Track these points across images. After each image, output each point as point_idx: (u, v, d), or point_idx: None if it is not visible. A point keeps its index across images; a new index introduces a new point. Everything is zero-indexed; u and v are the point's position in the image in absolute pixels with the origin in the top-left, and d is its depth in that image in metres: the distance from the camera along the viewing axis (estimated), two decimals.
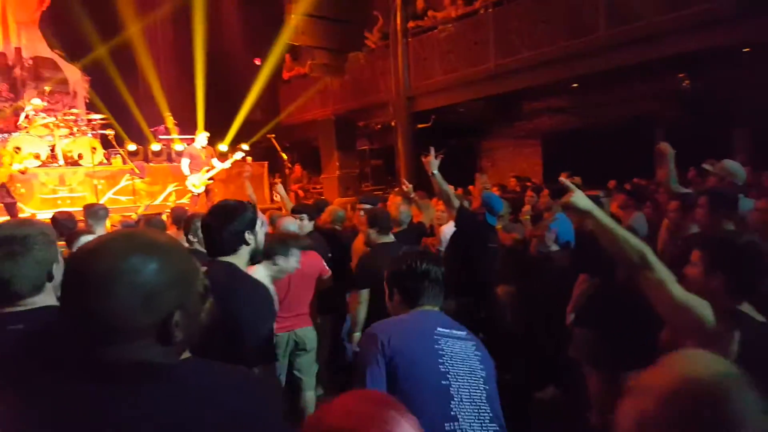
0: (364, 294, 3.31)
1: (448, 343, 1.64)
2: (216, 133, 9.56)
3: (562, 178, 2.01)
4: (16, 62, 10.47)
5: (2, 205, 7.12)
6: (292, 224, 3.73)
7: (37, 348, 1.24)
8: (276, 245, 2.91)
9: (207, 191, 8.10)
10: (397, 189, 8.41)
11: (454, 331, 1.69)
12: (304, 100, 12.17)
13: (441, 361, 1.58)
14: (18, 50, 10.56)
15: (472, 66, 9.16)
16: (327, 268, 3.62)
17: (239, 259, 1.97)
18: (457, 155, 11.60)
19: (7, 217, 6.68)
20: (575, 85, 9.04)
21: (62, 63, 10.93)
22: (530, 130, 11.31)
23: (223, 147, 9.48)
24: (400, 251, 3.32)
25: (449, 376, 1.57)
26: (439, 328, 1.68)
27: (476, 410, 1.56)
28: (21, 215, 7.22)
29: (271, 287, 3.05)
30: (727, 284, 1.57)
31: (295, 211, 4.32)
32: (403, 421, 0.79)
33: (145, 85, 11.91)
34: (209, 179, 8.02)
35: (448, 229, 4.37)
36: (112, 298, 0.81)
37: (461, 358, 1.62)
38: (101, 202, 7.26)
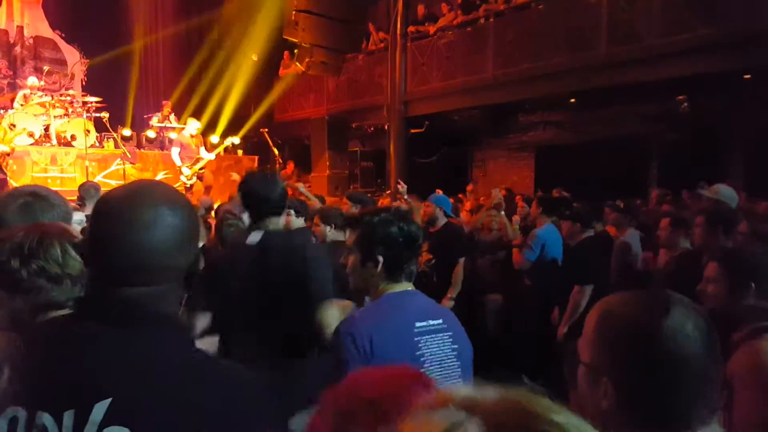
0: None
1: (427, 342, 1.55)
2: (208, 124, 9.66)
3: None
4: (17, 40, 10.56)
5: None
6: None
7: None
8: None
9: (205, 185, 8.21)
10: (388, 191, 8.52)
11: (431, 322, 1.58)
12: (298, 97, 12.25)
13: (423, 369, 1.50)
14: (20, 29, 10.65)
15: (470, 74, 9.23)
16: None
17: None
18: (448, 163, 11.76)
19: None
20: (572, 100, 9.14)
21: (62, 44, 11.01)
22: (524, 143, 11.41)
23: (214, 138, 9.58)
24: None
25: None
26: (417, 323, 1.56)
27: None
28: None
29: None
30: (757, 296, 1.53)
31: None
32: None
33: (143, 72, 12.00)
34: (200, 169, 8.12)
35: None
36: (160, 236, 0.86)
37: (440, 359, 1.56)
38: None
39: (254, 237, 2.20)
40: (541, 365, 3.77)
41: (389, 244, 1.56)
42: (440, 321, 1.60)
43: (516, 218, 5.53)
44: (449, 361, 1.57)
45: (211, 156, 8.22)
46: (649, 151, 9.74)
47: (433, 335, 1.57)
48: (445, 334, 1.59)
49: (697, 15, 6.55)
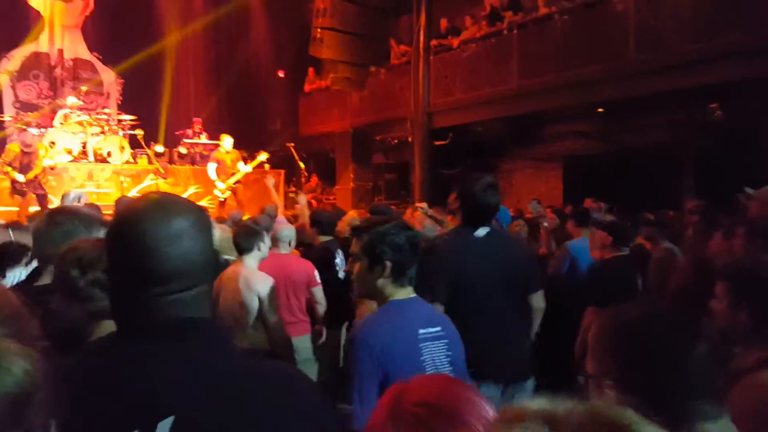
0: None
1: (429, 348, 1.69)
2: (238, 140, 9.89)
3: None
4: (58, 63, 11.10)
5: (35, 195, 7.51)
6: (287, 229, 3.75)
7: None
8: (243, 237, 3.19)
9: (234, 192, 8.45)
10: (413, 205, 8.56)
11: (430, 330, 1.71)
12: (322, 111, 12.47)
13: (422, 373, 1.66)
14: (60, 52, 11.19)
15: (494, 85, 9.22)
16: (317, 280, 3.58)
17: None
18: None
19: (38, 207, 7.05)
20: (600, 109, 9.04)
21: (99, 65, 11.51)
22: (551, 154, 11.27)
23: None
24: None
25: None
26: (420, 330, 1.69)
27: None
28: (50, 206, 7.60)
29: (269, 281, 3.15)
30: (753, 318, 1.44)
31: (312, 220, 4.41)
32: (490, 412, 0.76)
33: (175, 89, 12.41)
34: (235, 183, 8.38)
35: None
36: (191, 240, 0.89)
37: (436, 364, 1.69)
38: None
39: (481, 232, 2.44)
40: (557, 385, 3.65)
41: (396, 249, 1.69)
42: (439, 328, 1.73)
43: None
44: (443, 366, 1.69)
45: (248, 169, 8.50)
46: (683, 161, 9.52)
47: (433, 342, 1.69)
48: (442, 341, 1.71)
49: (729, 20, 6.43)
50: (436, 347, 1.69)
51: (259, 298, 3.03)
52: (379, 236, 1.71)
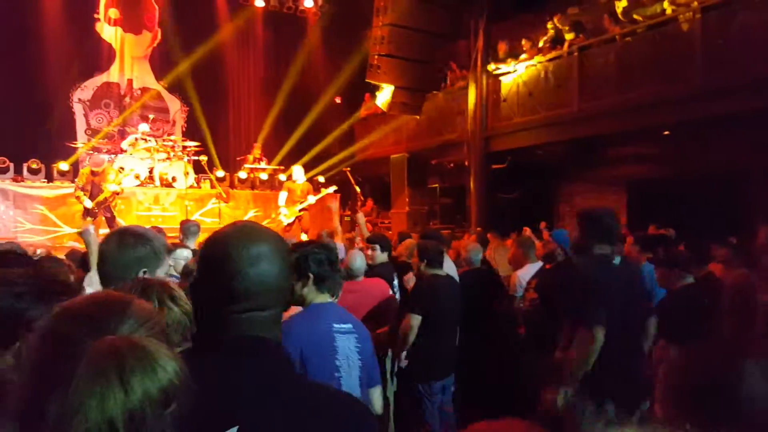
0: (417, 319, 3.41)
1: (341, 339, 2.07)
2: (293, 163, 10.07)
3: None
4: (127, 92, 11.70)
5: (104, 218, 7.80)
6: (359, 257, 3.72)
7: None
8: None
9: (299, 219, 8.72)
10: (470, 229, 8.42)
11: (343, 326, 2.11)
12: (378, 136, 12.57)
13: (337, 357, 2.03)
14: (129, 82, 11.82)
15: (554, 108, 9.04)
16: (393, 291, 3.69)
17: None
18: (532, 198, 11.38)
19: (107, 230, 7.30)
20: (667, 132, 8.68)
21: (165, 94, 12.03)
22: (614, 177, 10.86)
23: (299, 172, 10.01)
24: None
25: (341, 369, 2.04)
26: (335, 324, 2.08)
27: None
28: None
29: None
30: None
31: (369, 241, 4.41)
32: None
33: (236, 116, 12.80)
34: (300, 210, 8.61)
35: (524, 273, 4.24)
36: (272, 265, 0.98)
37: (346, 353, 2.07)
38: None
39: (616, 259, 2.76)
40: None
41: (318, 263, 2.15)
42: (350, 326, 2.13)
43: None
44: (353, 355, 2.09)
45: (313, 200, 8.76)
46: (752, 185, 8.92)
47: (345, 335, 2.09)
48: (352, 335, 2.11)
49: None
50: (347, 339, 2.08)
51: None
52: (305, 254, 2.16)
